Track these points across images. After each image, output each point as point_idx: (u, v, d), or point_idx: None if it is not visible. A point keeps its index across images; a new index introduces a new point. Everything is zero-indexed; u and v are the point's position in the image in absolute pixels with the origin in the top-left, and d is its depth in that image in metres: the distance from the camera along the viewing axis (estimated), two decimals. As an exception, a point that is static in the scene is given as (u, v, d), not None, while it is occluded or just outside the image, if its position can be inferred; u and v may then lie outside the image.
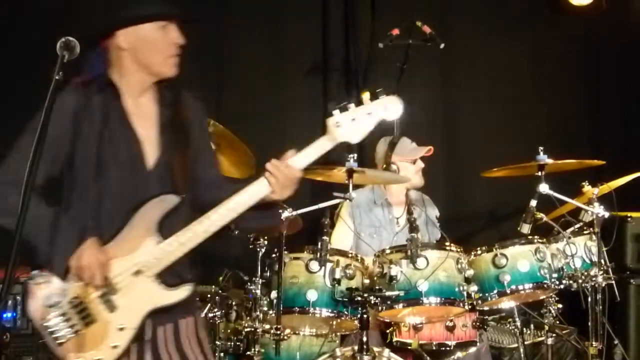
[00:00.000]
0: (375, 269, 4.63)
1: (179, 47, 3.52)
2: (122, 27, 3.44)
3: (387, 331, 4.93)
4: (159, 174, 3.46)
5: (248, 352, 4.77)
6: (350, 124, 3.47)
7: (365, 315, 4.45)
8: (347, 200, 4.66)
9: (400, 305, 4.52)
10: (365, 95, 3.51)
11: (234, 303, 5.01)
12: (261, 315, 4.63)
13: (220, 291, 5.03)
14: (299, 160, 3.50)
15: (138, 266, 3.37)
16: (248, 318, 4.82)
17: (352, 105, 3.49)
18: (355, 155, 4.55)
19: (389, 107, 3.52)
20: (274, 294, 4.54)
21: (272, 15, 6.81)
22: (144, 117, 3.52)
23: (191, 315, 3.56)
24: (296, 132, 6.69)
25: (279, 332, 4.45)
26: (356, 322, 4.55)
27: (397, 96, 3.55)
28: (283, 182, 3.45)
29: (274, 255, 4.65)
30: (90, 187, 3.41)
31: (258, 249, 4.77)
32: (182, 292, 3.41)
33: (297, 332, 4.80)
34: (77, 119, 3.41)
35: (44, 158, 3.11)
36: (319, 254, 4.49)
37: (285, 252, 4.54)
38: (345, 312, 4.52)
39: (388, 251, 4.61)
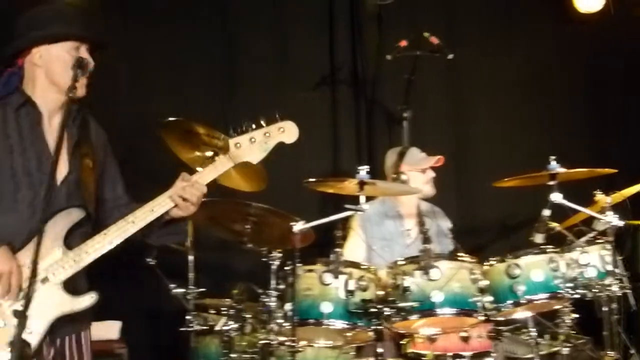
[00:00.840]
0: (388, 281, 4.63)
1: (88, 69, 3.68)
2: (35, 45, 3.67)
3: (402, 342, 4.93)
4: (67, 189, 3.67)
5: (263, 365, 4.77)
6: (249, 145, 3.74)
7: (380, 327, 4.45)
8: (359, 213, 4.66)
9: (415, 317, 4.53)
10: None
11: (248, 316, 5.01)
12: (276, 328, 4.62)
13: (234, 304, 5.03)
14: (201, 177, 3.75)
15: (45, 273, 3.53)
16: (263, 330, 4.81)
17: (252, 127, 3.74)
18: (367, 167, 4.56)
19: (286, 130, 3.81)
20: (288, 306, 4.55)
21: (279, 29, 6.83)
22: (54, 135, 3.66)
23: (88, 329, 3.79)
24: (304, 146, 6.69)
25: (294, 344, 4.47)
26: (371, 333, 4.56)
27: (291, 121, 3.83)
28: (190, 198, 3.68)
29: (287, 267, 4.66)
30: (4, 198, 3.60)
31: (271, 262, 4.77)
32: (88, 300, 3.59)
33: (312, 344, 4.79)
34: None
35: None
36: (332, 266, 4.51)
37: (299, 264, 4.56)
38: (360, 324, 4.52)
39: (401, 262, 4.61)
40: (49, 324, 3.52)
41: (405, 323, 4.60)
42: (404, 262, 4.60)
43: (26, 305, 3.10)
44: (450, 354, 4.85)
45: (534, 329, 4.97)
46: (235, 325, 4.99)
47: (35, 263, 3.28)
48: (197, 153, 5.16)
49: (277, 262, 4.78)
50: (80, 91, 3.67)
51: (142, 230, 3.68)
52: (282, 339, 4.63)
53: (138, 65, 6.43)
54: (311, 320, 4.52)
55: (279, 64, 6.80)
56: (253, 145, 3.75)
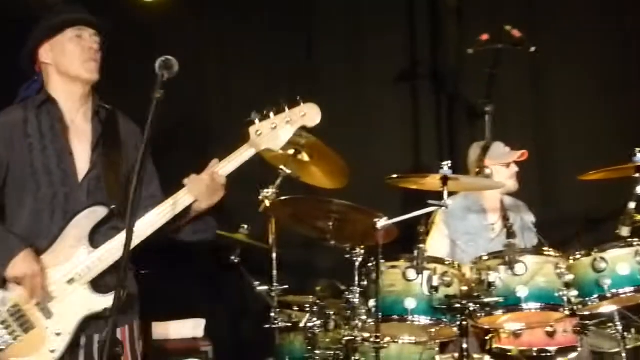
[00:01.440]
0: (472, 276, 4.60)
1: (94, 51, 3.75)
2: (39, 42, 3.74)
3: (486, 338, 4.90)
4: (89, 187, 3.69)
5: (348, 361, 4.78)
6: (271, 131, 3.64)
7: (464, 323, 4.43)
8: (442, 208, 4.64)
9: (500, 312, 4.51)
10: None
11: (332, 313, 5.02)
12: (360, 324, 4.63)
13: (318, 301, 5.05)
14: (222, 168, 3.66)
15: (71, 274, 3.58)
16: (347, 327, 4.82)
17: (272, 114, 3.63)
18: (450, 162, 4.54)
19: (308, 114, 3.69)
20: (372, 303, 4.56)
21: (358, 24, 6.82)
22: (77, 133, 3.75)
23: (128, 323, 3.75)
24: (384, 141, 6.70)
25: (378, 341, 4.47)
26: (455, 329, 4.55)
27: (314, 103, 3.71)
28: (206, 190, 3.62)
29: (370, 264, 4.68)
30: (26, 199, 3.66)
31: (354, 259, 4.77)
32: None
33: (396, 340, 4.79)
34: (16, 134, 3.68)
35: None
36: (416, 262, 4.50)
37: (382, 260, 4.56)
38: (444, 320, 4.51)
39: (486, 258, 4.59)
40: (77, 324, 3.56)
41: (490, 318, 4.58)
42: (488, 258, 4.58)
43: (114, 306, 3.09)
44: (536, 349, 4.80)
45: (620, 323, 4.87)
46: (319, 322, 5.00)
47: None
48: (280, 151, 5.18)
49: (360, 259, 4.78)
50: (88, 74, 3.72)
51: (170, 227, 3.69)
52: (366, 335, 4.65)
53: (221, 65, 6.48)
54: (395, 317, 4.53)
55: (358, 59, 6.78)
56: (274, 132, 3.65)
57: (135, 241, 3.51)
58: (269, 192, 5.14)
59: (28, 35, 3.80)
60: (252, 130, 3.65)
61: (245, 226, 5.55)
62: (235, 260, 5.51)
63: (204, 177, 3.62)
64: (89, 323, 3.61)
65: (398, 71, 6.74)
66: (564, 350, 4.82)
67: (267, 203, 5.13)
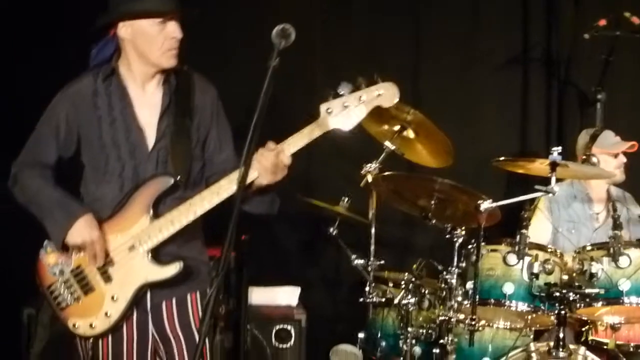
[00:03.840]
0: (574, 266, 4.53)
1: (176, 41, 3.63)
2: (119, 20, 3.62)
3: (582, 329, 4.83)
4: (157, 158, 3.66)
5: (441, 341, 4.75)
6: (342, 111, 3.46)
7: (563, 312, 4.37)
8: (547, 194, 4.57)
9: (599, 304, 4.45)
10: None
11: (427, 292, 5.00)
12: (456, 305, 4.61)
13: (414, 279, 5.03)
14: (287, 146, 3.51)
15: (132, 242, 3.59)
16: (441, 307, 4.80)
17: (346, 91, 3.45)
18: (560, 148, 4.46)
19: (384, 94, 3.47)
20: (469, 285, 4.54)
21: (469, 4, 6.72)
22: (147, 103, 3.70)
23: (200, 291, 3.74)
24: (491, 123, 6.62)
25: (473, 323, 4.45)
26: (552, 317, 4.49)
27: (393, 82, 3.47)
28: (270, 167, 3.47)
29: (470, 246, 4.64)
30: (94, 168, 3.67)
31: (455, 239, 4.74)
32: (172, 269, 3.58)
33: (490, 324, 4.76)
34: (85, 106, 3.66)
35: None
36: (517, 247, 4.45)
37: (483, 243, 4.53)
38: (542, 308, 4.47)
39: (589, 248, 4.52)
40: (135, 291, 3.59)
41: (589, 310, 4.52)
42: (592, 248, 4.51)
43: (221, 267, 3.02)
44: (633, 344, 4.74)
45: None
46: (413, 300, 4.98)
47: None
48: (385, 126, 5.18)
49: (460, 240, 4.75)
50: (168, 62, 3.63)
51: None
52: (461, 317, 4.62)
53: (330, 56, 6.48)
54: (492, 300, 4.51)
55: (470, 38, 6.69)
56: (346, 111, 3.45)
57: (199, 210, 3.56)
58: (372, 166, 5.13)
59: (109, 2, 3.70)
60: (322, 107, 3.48)
61: (346, 199, 5.54)
62: (334, 233, 5.51)
63: (268, 153, 3.47)
64: (155, 291, 3.66)
65: (510, 53, 6.63)
66: (663, 349, 4.73)
67: (370, 178, 5.13)
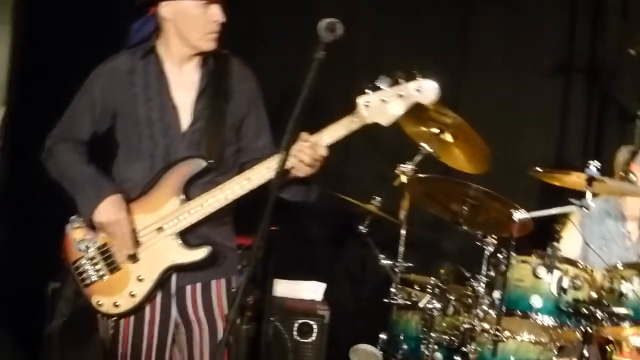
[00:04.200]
0: (604, 283, 4.48)
1: (218, 24, 3.59)
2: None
3: (607, 347, 4.78)
4: (190, 139, 3.62)
5: (463, 349, 4.72)
6: (380, 105, 3.38)
7: (589, 329, 4.33)
8: (582, 208, 4.52)
9: (627, 324, 4.39)
10: None
11: (453, 298, 4.97)
12: (481, 314, 4.58)
13: (440, 284, 5.00)
14: (322, 138, 3.44)
15: (161, 223, 3.55)
16: (467, 315, 4.77)
17: (384, 85, 3.36)
18: (598, 163, 4.41)
19: (424, 90, 3.37)
20: (496, 294, 4.50)
21: (515, 11, 6.66)
22: (184, 84, 3.66)
23: (226, 277, 3.72)
24: (529, 132, 6.56)
25: (498, 334, 4.41)
26: (578, 334, 4.44)
27: (433, 80, 3.37)
28: (305, 160, 3.42)
29: (500, 255, 4.60)
30: (127, 146, 3.66)
31: (485, 247, 4.71)
32: (200, 253, 3.54)
33: (515, 336, 4.71)
34: (122, 82, 3.64)
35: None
36: (548, 260, 4.41)
37: (513, 254, 4.49)
38: (568, 323, 4.43)
39: (620, 267, 4.47)
40: (161, 273, 3.56)
41: (615, 329, 4.48)
42: (623, 267, 4.46)
43: (254, 255, 2.97)
44: (657, 367, 4.68)
45: None
46: (438, 305, 4.95)
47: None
48: (423, 128, 5.15)
49: (490, 248, 4.72)
50: (208, 45, 3.60)
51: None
52: (486, 326, 4.59)
53: (373, 45, 6.44)
54: (518, 312, 4.48)
55: (514, 45, 6.62)
56: (384, 106, 3.36)
57: (230, 195, 3.51)
58: (407, 167, 5.11)
59: None
60: (360, 100, 3.39)
61: (378, 198, 5.52)
62: (363, 231, 5.50)
63: (307, 149, 3.42)
64: (181, 274, 3.64)
65: (553, 63, 6.56)
66: (688, 375, 4.67)
67: (404, 178, 5.10)
